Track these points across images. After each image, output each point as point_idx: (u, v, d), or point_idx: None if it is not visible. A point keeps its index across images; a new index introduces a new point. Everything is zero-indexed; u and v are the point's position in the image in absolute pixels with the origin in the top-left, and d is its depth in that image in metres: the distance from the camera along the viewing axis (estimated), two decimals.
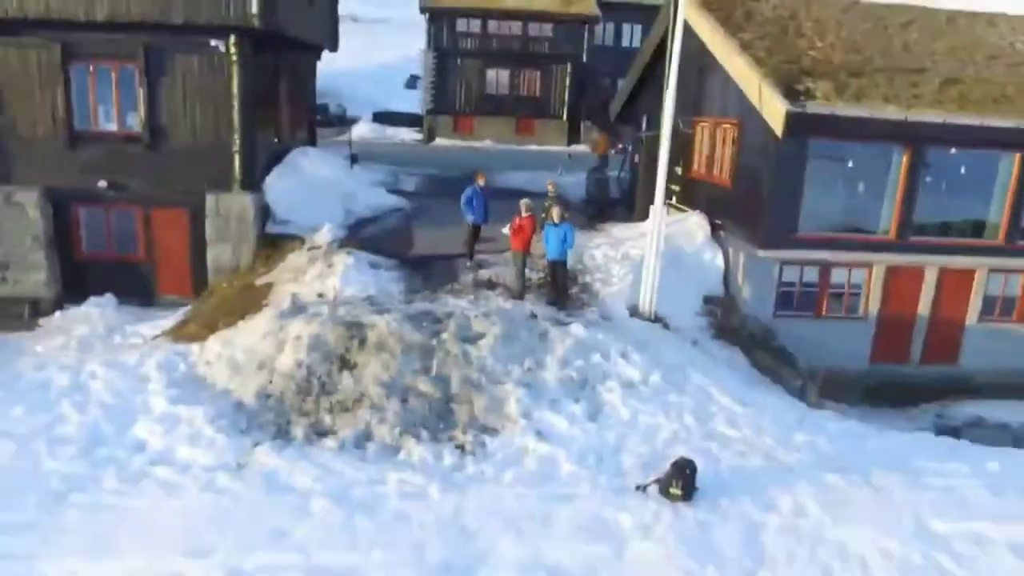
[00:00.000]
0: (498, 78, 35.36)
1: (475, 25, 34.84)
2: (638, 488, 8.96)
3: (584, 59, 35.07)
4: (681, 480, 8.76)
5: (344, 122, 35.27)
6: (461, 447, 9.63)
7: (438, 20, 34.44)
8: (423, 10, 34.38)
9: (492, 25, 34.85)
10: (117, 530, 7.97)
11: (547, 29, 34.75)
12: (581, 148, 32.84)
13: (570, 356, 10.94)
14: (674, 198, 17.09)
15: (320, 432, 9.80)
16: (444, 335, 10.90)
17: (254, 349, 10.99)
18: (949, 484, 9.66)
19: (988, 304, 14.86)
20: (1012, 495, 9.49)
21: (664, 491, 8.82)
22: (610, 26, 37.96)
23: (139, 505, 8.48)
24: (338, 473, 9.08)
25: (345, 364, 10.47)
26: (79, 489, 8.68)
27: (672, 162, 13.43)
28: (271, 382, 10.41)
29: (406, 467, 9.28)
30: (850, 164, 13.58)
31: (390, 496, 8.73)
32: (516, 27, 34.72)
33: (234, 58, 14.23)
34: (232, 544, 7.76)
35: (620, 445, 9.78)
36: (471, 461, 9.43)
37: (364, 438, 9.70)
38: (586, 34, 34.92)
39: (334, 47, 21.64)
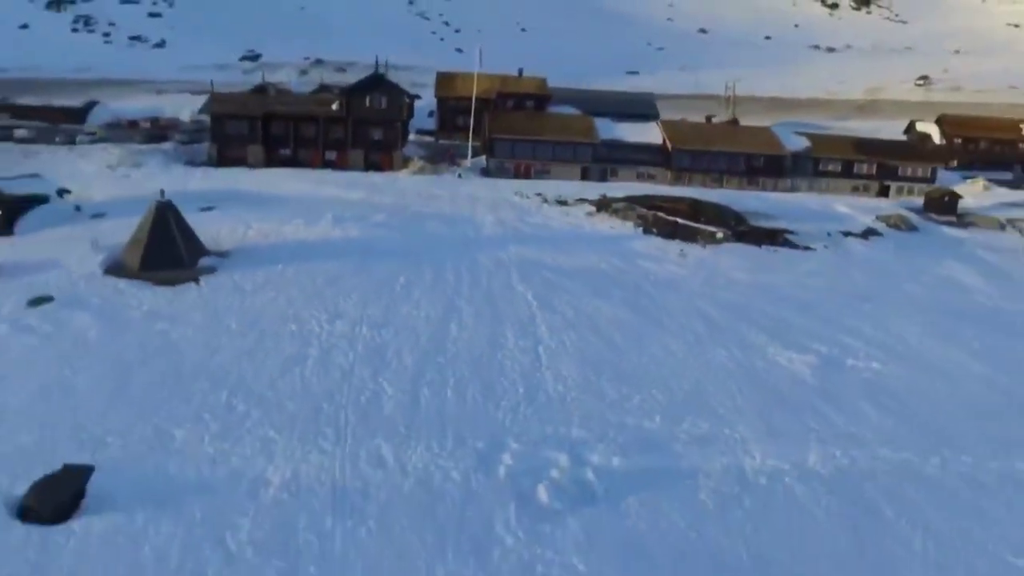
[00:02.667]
0: (465, 117, 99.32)
1: (455, 99, 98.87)
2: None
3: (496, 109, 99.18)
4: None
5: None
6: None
7: (441, 99, 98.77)
8: (436, 96, 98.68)
9: (463, 99, 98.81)
10: None
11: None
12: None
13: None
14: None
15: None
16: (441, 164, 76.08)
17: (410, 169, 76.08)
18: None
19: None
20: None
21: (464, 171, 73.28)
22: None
23: None
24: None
25: (425, 167, 75.48)
26: None
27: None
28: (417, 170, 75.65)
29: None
30: (522, 146, 77.95)
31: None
32: (470, 100, 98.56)
33: (399, 124, 78.76)
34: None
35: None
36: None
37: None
38: (493, 103, 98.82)
39: (411, 117, 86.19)
